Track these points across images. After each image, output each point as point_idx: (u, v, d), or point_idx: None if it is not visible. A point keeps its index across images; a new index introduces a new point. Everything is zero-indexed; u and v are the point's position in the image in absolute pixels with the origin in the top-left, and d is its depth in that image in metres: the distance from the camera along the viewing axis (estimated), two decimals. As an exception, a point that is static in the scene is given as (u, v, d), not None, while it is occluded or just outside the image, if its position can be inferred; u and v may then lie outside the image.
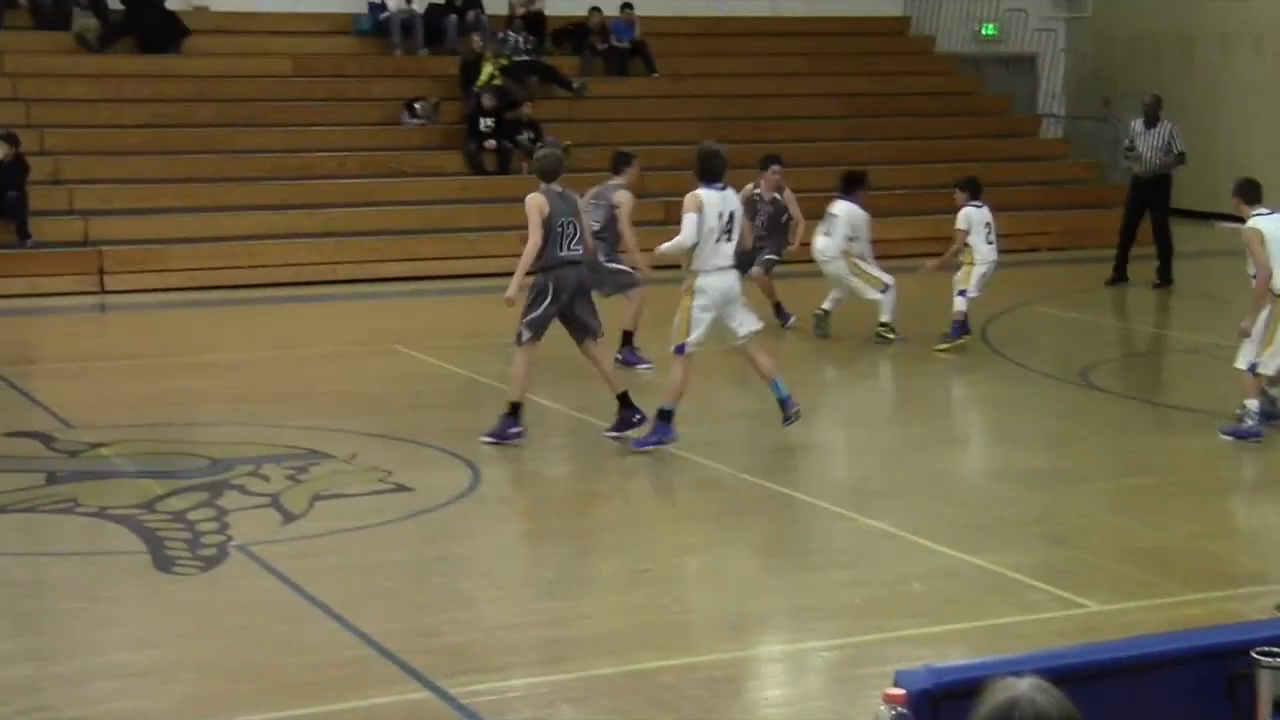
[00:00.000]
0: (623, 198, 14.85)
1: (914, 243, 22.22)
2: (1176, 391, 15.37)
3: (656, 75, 25.31)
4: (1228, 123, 26.10)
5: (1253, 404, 12.29)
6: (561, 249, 12.17)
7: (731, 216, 12.01)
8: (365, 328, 18.00)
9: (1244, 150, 24.79)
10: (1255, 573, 9.69)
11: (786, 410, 12.26)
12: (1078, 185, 25.48)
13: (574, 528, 10.79)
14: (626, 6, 25.32)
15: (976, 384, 15.61)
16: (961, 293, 16.17)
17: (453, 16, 24.72)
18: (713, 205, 11.97)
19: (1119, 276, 20.32)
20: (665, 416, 11.95)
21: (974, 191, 16.52)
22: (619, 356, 14.94)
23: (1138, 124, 20.61)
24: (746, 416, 13.43)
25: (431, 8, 24.83)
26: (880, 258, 16.98)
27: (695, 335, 11.97)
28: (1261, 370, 12.30)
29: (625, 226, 14.67)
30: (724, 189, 12.12)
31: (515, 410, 12.18)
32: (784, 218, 17.17)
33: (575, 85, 24.48)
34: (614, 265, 14.94)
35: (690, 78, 25.52)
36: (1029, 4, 28.27)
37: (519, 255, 12.23)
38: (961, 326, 16.11)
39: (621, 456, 12.09)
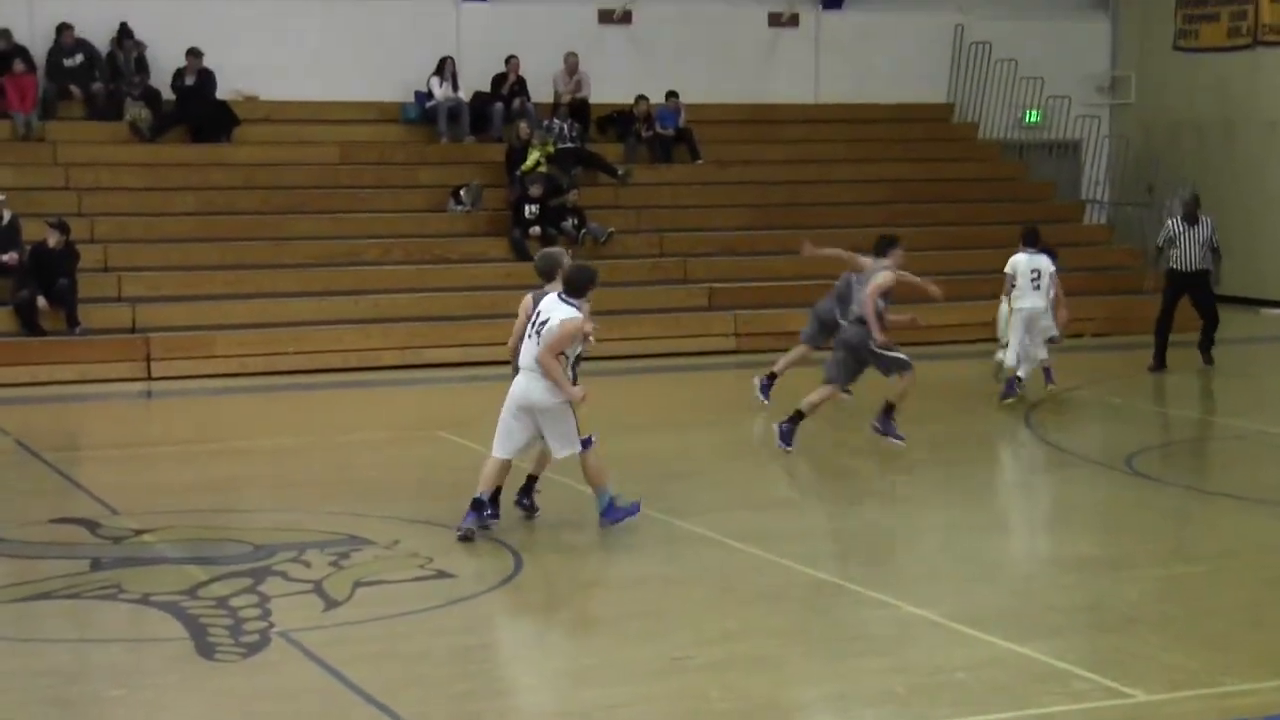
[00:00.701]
0: (886, 278, 14.94)
1: (957, 329, 22.26)
2: (1223, 478, 15.24)
3: (701, 162, 25.44)
4: (1272, 209, 26.02)
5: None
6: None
7: (539, 317, 11.78)
8: (409, 414, 18.05)
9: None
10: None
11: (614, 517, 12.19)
12: (1121, 271, 25.41)
13: (615, 614, 10.74)
14: (672, 94, 25.49)
15: (1021, 469, 15.54)
16: (1005, 345, 16.60)
17: (499, 104, 24.92)
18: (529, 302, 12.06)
19: (1160, 364, 20.24)
20: (477, 505, 11.92)
21: (1028, 239, 17.46)
22: (876, 425, 15.14)
23: (1177, 222, 20.56)
24: (784, 504, 13.39)
25: (478, 96, 25.06)
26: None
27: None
28: None
29: (869, 301, 14.75)
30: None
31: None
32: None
33: (620, 172, 24.63)
34: (890, 352, 14.85)
35: (735, 164, 25.65)
36: (1072, 91, 28.33)
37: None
38: (1013, 384, 16.52)
39: (664, 543, 12.06)
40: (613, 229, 23.39)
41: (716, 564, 11.68)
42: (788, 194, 25.19)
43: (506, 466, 12.16)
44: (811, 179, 25.69)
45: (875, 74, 27.54)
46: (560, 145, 24.23)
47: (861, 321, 14.85)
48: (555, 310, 11.79)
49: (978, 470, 15.30)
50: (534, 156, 23.54)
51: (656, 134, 25.40)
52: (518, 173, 23.43)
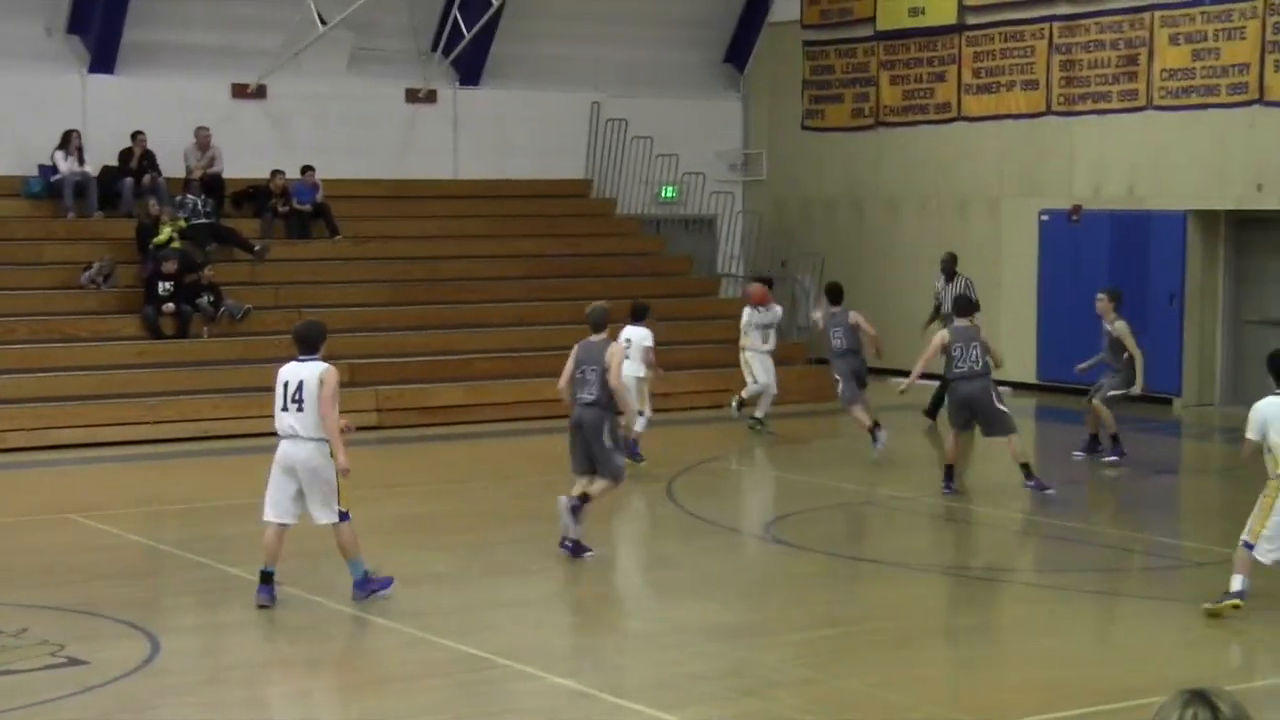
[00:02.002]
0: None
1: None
2: (859, 544, 15.66)
3: (339, 238, 25.18)
4: (897, 282, 27.01)
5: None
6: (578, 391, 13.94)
7: (297, 385, 12.02)
8: (38, 497, 17.34)
9: (912, 307, 25.66)
10: (934, 718, 9.84)
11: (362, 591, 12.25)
12: (758, 343, 25.96)
13: (257, 697, 10.45)
14: (308, 169, 25.19)
15: (661, 539, 15.68)
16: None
17: (128, 179, 24.26)
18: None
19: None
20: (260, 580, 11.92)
21: (636, 314, 18.12)
22: (1029, 484, 16.58)
23: (939, 281, 22.29)
24: (434, 579, 13.25)
25: (106, 170, 24.34)
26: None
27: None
28: None
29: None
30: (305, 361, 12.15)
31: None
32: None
33: (257, 248, 24.20)
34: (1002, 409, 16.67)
35: (374, 240, 25.46)
36: (707, 167, 29.01)
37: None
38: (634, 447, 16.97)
39: (311, 623, 11.80)
40: (250, 306, 22.95)
41: (366, 643, 11.48)
42: (427, 270, 25.13)
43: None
44: (451, 254, 25.67)
45: (514, 150, 27.73)
46: (194, 221, 23.69)
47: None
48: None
49: (620, 541, 15.40)
50: (166, 231, 22.96)
51: (293, 209, 25.06)
52: (151, 246, 22.82)
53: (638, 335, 17.83)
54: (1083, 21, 24.71)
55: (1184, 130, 23.43)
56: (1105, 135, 24.44)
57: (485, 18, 26.15)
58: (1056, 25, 25.04)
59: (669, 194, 28.98)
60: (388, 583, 12.37)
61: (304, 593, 12.51)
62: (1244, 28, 22.73)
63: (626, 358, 17.47)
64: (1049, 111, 25.17)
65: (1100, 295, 18.95)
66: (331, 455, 12.11)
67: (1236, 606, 11.58)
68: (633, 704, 9.86)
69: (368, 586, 12.24)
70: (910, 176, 27.31)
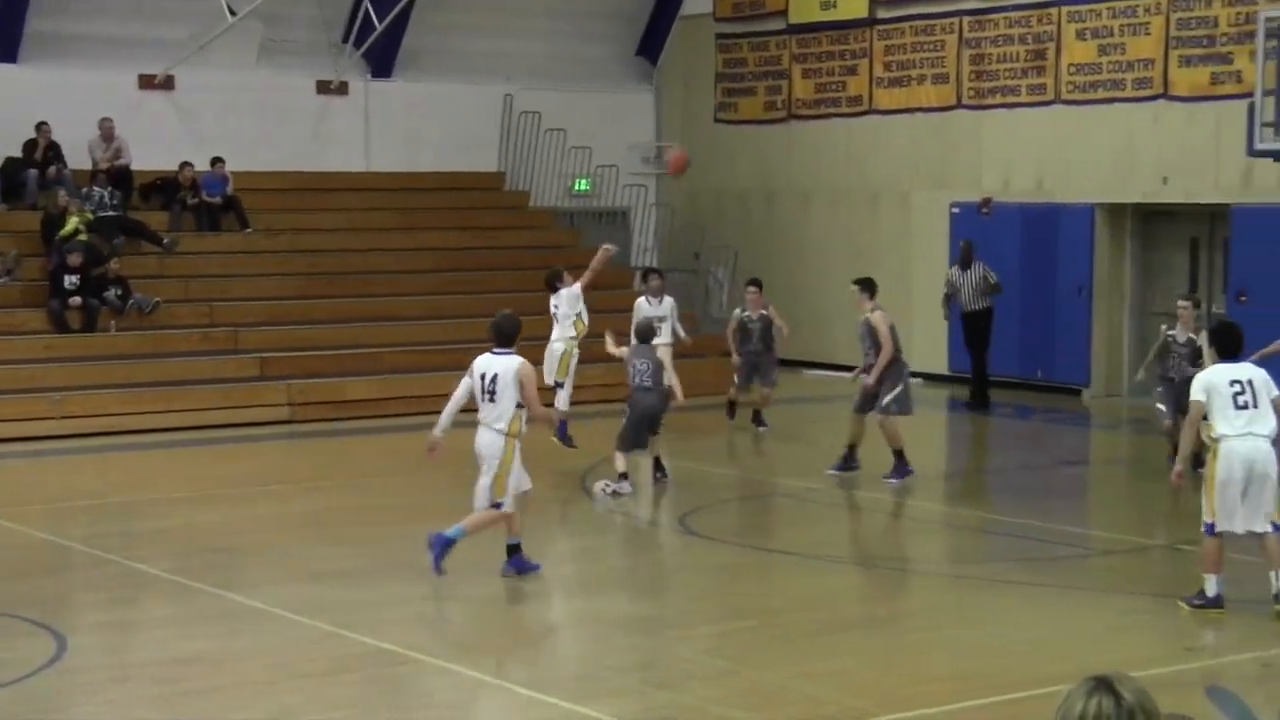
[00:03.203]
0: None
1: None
2: (773, 535, 15.69)
3: (250, 230, 24.96)
4: (810, 274, 27.11)
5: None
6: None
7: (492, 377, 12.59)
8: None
9: (822, 299, 25.79)
10: (849, 710, 9.88)
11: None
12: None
13: (166, 693, 10.33)
14: (217, 161, 24.94)
15: (577, 534, 15.65)
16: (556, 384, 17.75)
17: (33, 171, 23.94)
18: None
19: (979, 401, 22.97)
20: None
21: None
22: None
23: (954, 270, 23.03)
24: (342, 575, 13.16)
25: (9, 162, 23.99)
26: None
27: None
28: None
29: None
30: None
31: None
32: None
33: (165, 241, 23.95)
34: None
35: (285, 233, 25.27)
36: (620, 160, 28.99)
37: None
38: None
39: (219, 618, 11.70)
40: (159, 299, 22.71)
41: (274, 639, 11.38)
42: (339, 263, 24.95)
43: None
44: (363, 247, 25.52)
45: (426, 143, 27.60)
46: (100, 213, 23.40)
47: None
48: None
49: (535, 534, 15.34)
50: (73, 223, 22.66)
51: (203, 202, 24.81)
52: (56, 239, 22.51)
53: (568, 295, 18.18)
54: (992, 16, 24.88)
55: (1091, 124, 23.64)
56: (1014, 129, 24.63)
57: (397, 9, 26.01)
58: (966, 20, 25.21)
59: (582, 186, 28.95)
60: (536, 566, 12.81)
61: (213, 588, 12.40)
62: (1148, 24, 22.96)
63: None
64: (959, 105, 25.34)
65: (851, 286, 17.80)
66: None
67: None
68: (547, 697, 9.84)
69: (523, 566, 12.69)
70: (822, 169, 27.41)
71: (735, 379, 20.70)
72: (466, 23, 28.04)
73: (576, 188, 28.89)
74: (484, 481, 12.58)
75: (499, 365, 12.47)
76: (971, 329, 23.13)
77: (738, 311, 20.81)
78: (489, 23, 28.22)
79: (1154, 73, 22.91)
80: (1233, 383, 11.50)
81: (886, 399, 16.80)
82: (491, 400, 12.41)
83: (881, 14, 26.37)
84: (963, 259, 23.06)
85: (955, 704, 9.82)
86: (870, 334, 17.01)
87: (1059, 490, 18.06)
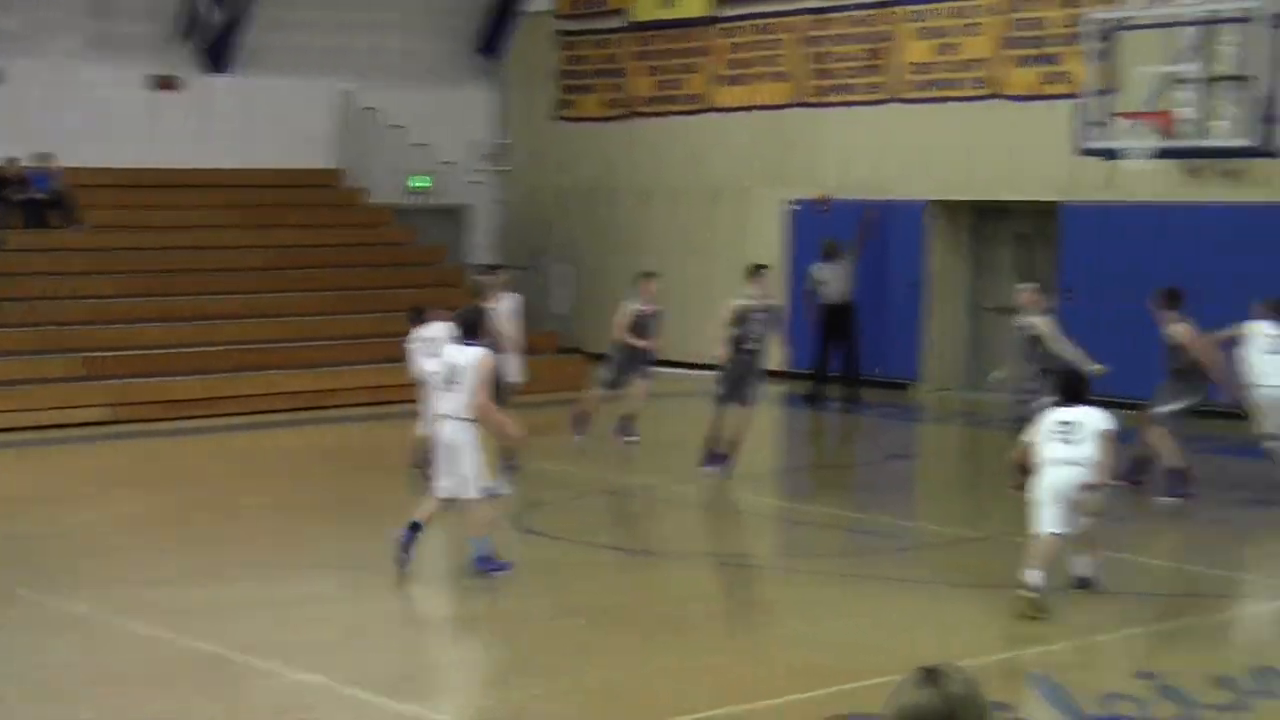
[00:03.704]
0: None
1: (352, 392, 22.26)
2: (609, 532, 15.66)
3: (79, 227, 24.44)
4: (647, 268, 27.12)
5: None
6: None
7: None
8: None
9: (661, 296, 25.76)
10: (682, 704, 9.86)
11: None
12: (511, 333, 25.88)
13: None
14: (47, 156, 24.40)
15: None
16: None
17: None
18: None
19: (819, 395, 23.00)
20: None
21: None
22: None
23: (819, 265, 23.04)
24: (164, 579, 12.92)
25: None
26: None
27: None
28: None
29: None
30: None
31: None
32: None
33: (-8, 238, 23.39)
34: None
35: (115, 230, 24.77)
36: (459, 157, 28.82)
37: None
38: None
39: (38, 624, 11.43)
40: (-14, 297, 22.17)
41: (96, 644, 11.13)
42: (171, 261, 24.50)
43: None
44: (196, 245, 25.09)
45: (261, 139, 27.23)
46: (-75, 209, 22.81)
47: None
48: None
49: (367, 533, 15.17)
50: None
51: (31, 197, 24.26)
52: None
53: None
54: (831, 15, 25.07)
55: (927, 122, 23.90)
56: (852, 127, 24.84)
57: (233, 4, 25.65)
58: (806, 19, 25.37)
59: (421, 184, 28.74)
60: (506, 566, 12.63)
61: (32, 593, 12.11)
62: (984, 24, 23.27)
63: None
64: (798, 103, 25.50)
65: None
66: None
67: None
68: (376, 697, 9.71)
69: (487, 565, 12.51)
70: (662, 167, 27.47)
71: (605, 380, 19.48)
72: (304, 19, 27.73)
73: (415, 185, 28.67)
74: (445, 483, 12.62)
75: (466, 356, 12.71)
76: (835, 324, 23.15)
77: (631, 305, 19.55)
78: (327, 18, 27.94)
79: (989, 72, 23.22)
80: (1061, 423, 12.01)
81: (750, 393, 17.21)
82: (457, 390, 12.59)
83: (722, 12, 26.47)
84: (827, 254, 23.12)
85: (789, 696, 9.85)
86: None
87: (889, 484, 18.22)
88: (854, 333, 23.27)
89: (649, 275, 19.87)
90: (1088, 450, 11.89)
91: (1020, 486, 12.33)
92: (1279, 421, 16.29)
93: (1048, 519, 11.88)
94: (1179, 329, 15.88)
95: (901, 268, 24.02)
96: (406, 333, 17.63)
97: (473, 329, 12.99)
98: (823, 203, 24.58)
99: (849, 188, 24.79)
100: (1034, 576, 11.86)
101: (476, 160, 29.45)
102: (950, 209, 24.06)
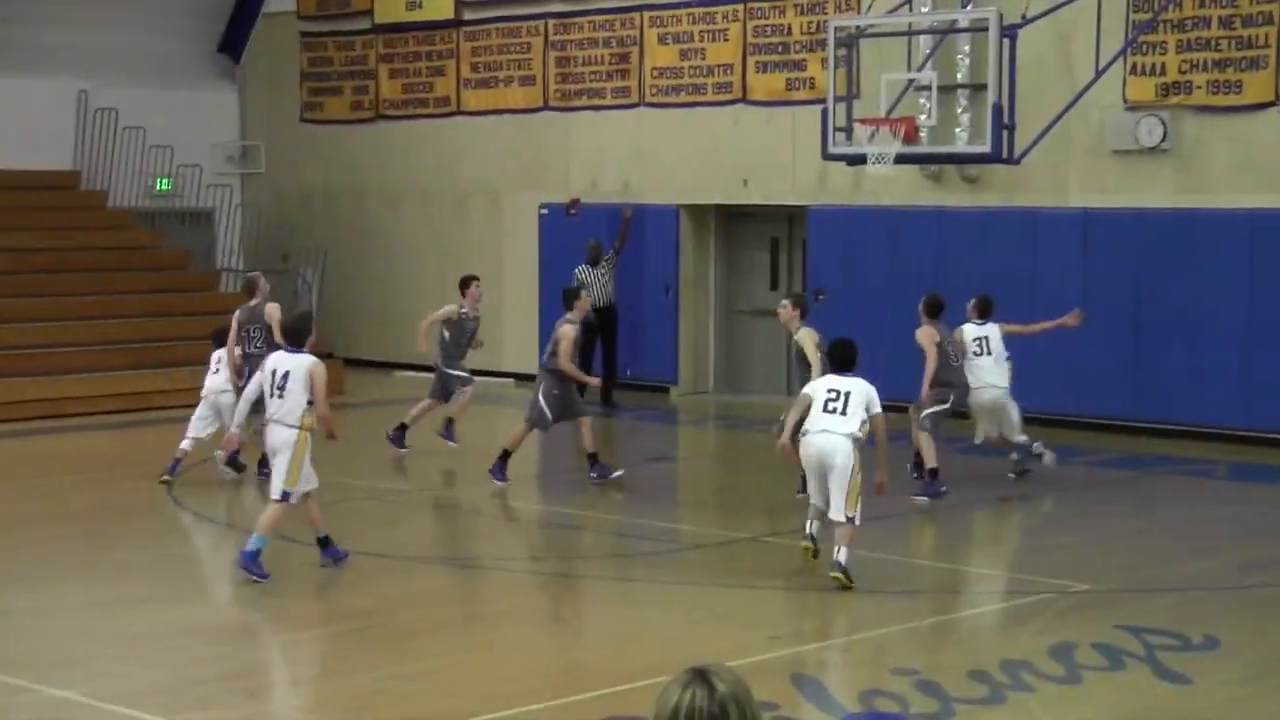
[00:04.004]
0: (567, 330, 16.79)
1: (95, 400, 21.75)
2: (365, 538, 15.51)
3: None
4: (399, 274, 27.02)
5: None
6: None
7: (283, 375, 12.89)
8: None
9: (413, 299, 25.68)
10: (446, 710, 9.84)
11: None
12: (259, 338, 25.51)
13: None
14: None
15: (156, 544, 15.13)
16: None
17: None
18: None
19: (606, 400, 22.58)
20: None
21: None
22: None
23: (583, 267, 22.95)
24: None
25: None
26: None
27: None
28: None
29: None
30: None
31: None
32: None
33: None
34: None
35: None
36: (203, 159, 28.32)
37: None
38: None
39: None
40: None
41: None
42: (-97, 265, 23.69)
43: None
44: (-70, 249, 24.29)
45: (-4, 140, 26.44)
46: None
47: None
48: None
49: (121, 543, 14.86)
50: None
51: None
52: None
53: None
54: (576, 19, 25.20)
55: (674, 127, 24.17)
56: (600, 131, 25.00)
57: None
58: (551, 22, 25.46)
59: (164, 186, 28.17)
60: (264, 576, 12.72)
61: None
62: (727, 30, 23.61)
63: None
64: (546, 107, 25.58)
65: None
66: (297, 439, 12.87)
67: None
68: (135, 711, 9.51)
69: (250, 563, 12.71)
70: (411, 170, 27.33)
71: (438, 389, 18.89)
72: (39, 15, 26.99)
73: (158, 188, 28.09)
74: (275, 476, 13.07)
75: (290, 363, 12.91)
76: (600, 325, 23.14)
77: (454, 307, 18.81)
78: (63, 15, 27.23)
79: (733, 78, 23.56)
80: (829, 390, 12.64)
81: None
82: (281, 396, 12.85)
83: (468, 15, 26.44)
84: (591, 257, 23.15)
85: (553, 700, 9.89)
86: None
87: (651, 487, 18.36)
88: (615, 336, 23.39)
89: (472, 279, 19.27)
90: (853, 422, 12.38)
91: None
92: (991, 425, 16.86)
93: (814, 490, 12.62)
94: (921, 333, 16.40)
95: (655, 271, 24.25)
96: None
97: (300, 335, 13.12)
98: (572, 206, 24.70)
99: (600, 192, 24.96)
100: (813, 527, 12.68)
101: (221, 163, 28.98)
102: (700, 213, 24.36)
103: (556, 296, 24.58)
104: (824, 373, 13.63)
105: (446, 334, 18.75)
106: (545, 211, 25.34)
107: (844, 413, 12.41)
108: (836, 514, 12.40)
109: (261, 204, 28.96)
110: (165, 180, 28.10)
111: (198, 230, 28.53)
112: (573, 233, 24.21)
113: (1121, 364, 20.18)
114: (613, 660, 10.77)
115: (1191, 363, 19.72)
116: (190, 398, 20.52)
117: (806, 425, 12.53)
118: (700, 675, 3.94)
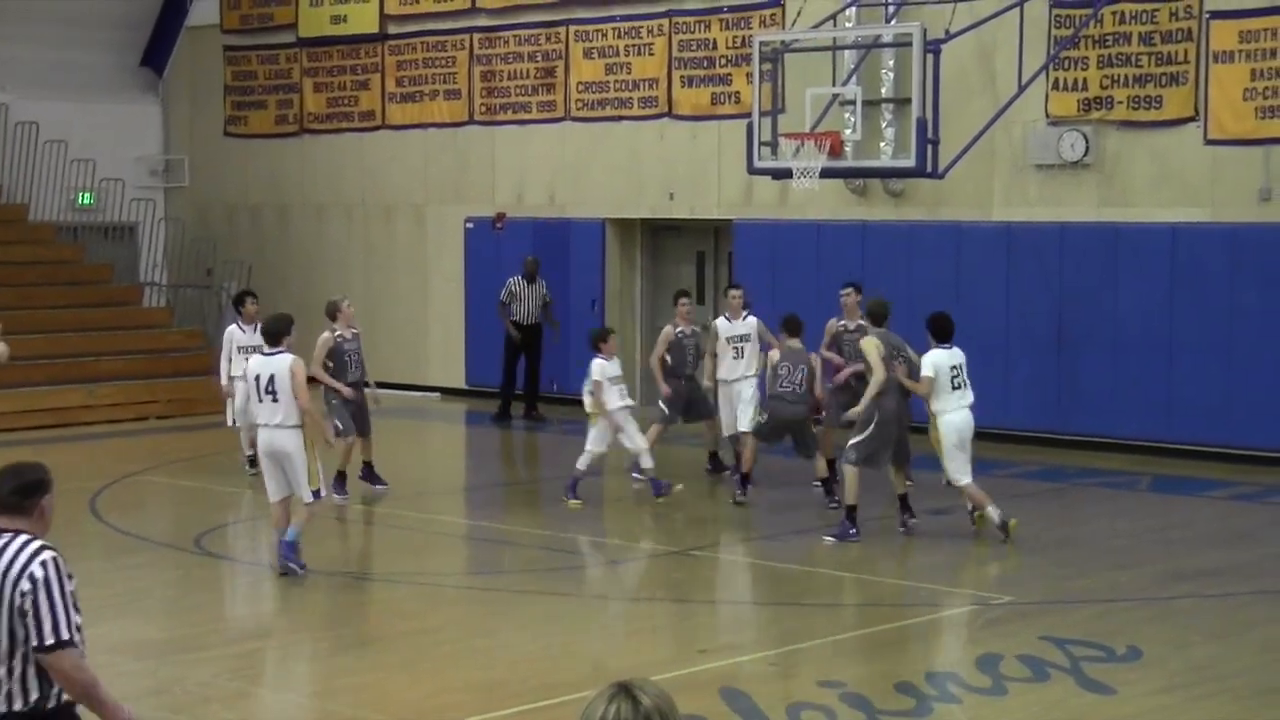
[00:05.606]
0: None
1: (18, 415, 21.54)
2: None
3: None
4: (322, 288, 26.85)
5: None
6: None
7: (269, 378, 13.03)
8: None
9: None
10: (376, 725, 9.81)
11: None
12: (183, 353, 25.36)
13: None
14: None
15: (85, 557, 15.01)
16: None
17: None
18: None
19: (506, 413, 22.98)
20: None
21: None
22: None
23: (518, 280, 22.94)
24: None
25: None
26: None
27: None
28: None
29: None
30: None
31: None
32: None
33: None
34: None
35: None
36: (126, 173, 28.11)
37: None
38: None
39: None
40: None
41: None
42: None
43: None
44: None
45: (-87, 153, 26.16)
46: None
47: None
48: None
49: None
50: None
51: None
52: None
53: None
54: (501, 33, 25.17)
55: (600, 141, 24.18)
56: (526, 145, 24.97)
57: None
58: (477, 36, 25.43)
59: (86, 200, 27.92)
60: (302, 567, 13.17)
61: None
62: (652, 44, 23.65)
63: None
64: (471, 121, 25.54)
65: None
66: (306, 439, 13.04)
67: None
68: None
69: (289, 555, 13.05)
70: (336, 183, 27.23)
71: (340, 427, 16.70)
72: (-42, 26, 26.75)
73: (80, 201, 27.85)
74: (272, 485, 13.20)
75: (274, 365, 13.00)
76: (525, 341, 23.17)
77: (328, 335, 17.04)
78: (-17, 27, 26.99)
79: (659, 92, 23.60)
80: (951, 368, 14.50)
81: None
82: (274, 400, 12.91)
83: (393, 29, 26.37)
84: (528, 273, 23.07)
85: (479, 714, 9.86)
86: None
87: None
88: (539, 351, 23.37)
89: (340, 300, 17.60)
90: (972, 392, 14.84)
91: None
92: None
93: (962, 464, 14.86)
94: (866, 343, 16.45)
95: (581, 285, 24.22)
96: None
97: (277, 336, 13.21)
98: (497, 221, 24.66)
99: (525, 206, 24.93)
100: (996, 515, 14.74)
101: (144, 176, 28.77)
102: (626, 227, 24.37)
103: (482, 309, 24.64)
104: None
105: (331, 364, 16.87)
106: (471, 225, 25.30)
107: (969, 385, 14.50)
108: (969, 479, 14.53)
109: (185, 218, 28.77)
110: (87, 194, 27.86)
111: (120, 245, 28.29)
112: (499, 246, 24.16)
113: (1044, 376, 20.34)
114: (539, 674, 10.75)
115: (1114, 375, 19.89)
116: (111, 413, 20.42)
117: (938, 406, 14.33)
118: (625, 689, 3.95)
